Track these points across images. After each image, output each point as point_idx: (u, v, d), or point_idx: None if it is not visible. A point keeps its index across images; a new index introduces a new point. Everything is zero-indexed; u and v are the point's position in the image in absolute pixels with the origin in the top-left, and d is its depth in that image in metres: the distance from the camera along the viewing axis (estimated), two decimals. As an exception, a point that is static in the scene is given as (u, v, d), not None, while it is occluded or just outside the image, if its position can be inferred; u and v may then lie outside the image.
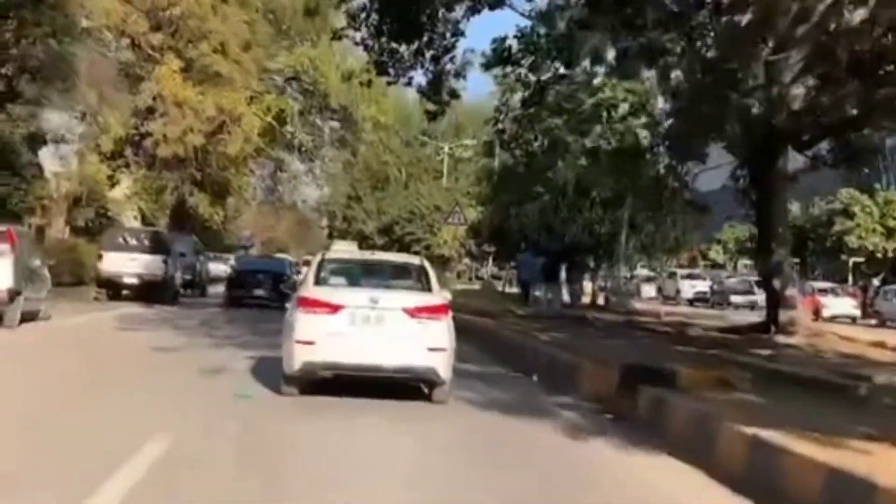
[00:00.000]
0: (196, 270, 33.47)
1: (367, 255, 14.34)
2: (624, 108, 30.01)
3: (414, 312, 10.72)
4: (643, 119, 29.80)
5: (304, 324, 10.67)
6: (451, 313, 11.21)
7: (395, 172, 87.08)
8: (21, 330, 17.80)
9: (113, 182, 42.74)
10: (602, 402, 11.47)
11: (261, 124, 46.66)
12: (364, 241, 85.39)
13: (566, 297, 33.19)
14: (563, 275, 34.78)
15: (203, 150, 43.44)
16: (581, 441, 9.54)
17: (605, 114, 30.42)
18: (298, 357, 10.59)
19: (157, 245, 27.83)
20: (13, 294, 17.22)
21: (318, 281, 11.43)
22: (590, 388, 12.40)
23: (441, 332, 10.85)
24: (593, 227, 33.03)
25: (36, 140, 30.82)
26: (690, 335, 20.86)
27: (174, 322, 21.53)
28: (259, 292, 29.21)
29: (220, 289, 40.55)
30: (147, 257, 27.22)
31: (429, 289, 11.37)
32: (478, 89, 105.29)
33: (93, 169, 41.63)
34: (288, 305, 11.89)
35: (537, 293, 32.62)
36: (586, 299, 36.53)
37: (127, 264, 26.90)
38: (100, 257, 27.14)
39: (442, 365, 10.74)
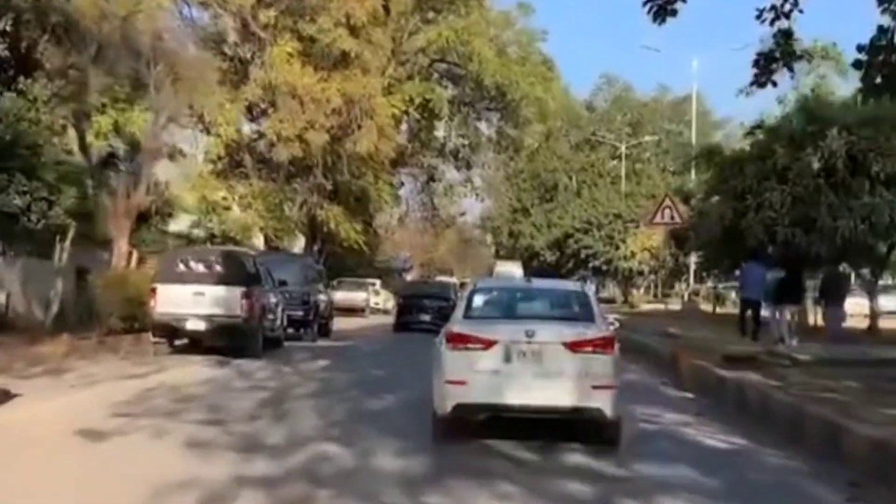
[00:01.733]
0: (310, 304, 24.55)
1: (522, 283, 13.00)
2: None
3: (575, 346, 9.57)
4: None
5: (454, 362, 9.69)
6: (617, 346, 9.80)
7: (564, 180, 77.22)
8: None
9: (224, 197, 34.68)
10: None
11: (401, 116, 37.72)
12: (533, 259, 76.55)
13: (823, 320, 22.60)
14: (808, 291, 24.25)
15: (331, 150, 34.88)
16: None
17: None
18: (450, 399, 9.61)
19: (236, 271, 18.99)
20: None
21: (469, 313, 10.49)
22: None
23: (607, 367, 9.63)
24: (871, 219, 22.25)
25: (80, 126, 22.88)
26: None
27: (235, 404, 12.47)
28: (424, 318, 29.58)
29: (352, 323, 32.39)
30: (219, 290, 18.45)
31: (591, 319, 10.23)
32: (645, 83, 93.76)
33: (201, 181, 33.82)
34: (436, 340, 10.43)
35: (776, 316, 21.66)
36: (855, 322, 25.61)
37: (189, 302, 18.22)
38: (153, 292, 18.53)
39: (609, 404, 9.51)
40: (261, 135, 34.10)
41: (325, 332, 26.54)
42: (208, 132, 34.38)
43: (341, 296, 39.43)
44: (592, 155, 79.84)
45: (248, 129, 34.40)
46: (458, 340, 9.79)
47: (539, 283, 12.32)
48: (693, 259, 44.75)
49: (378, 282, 45.24)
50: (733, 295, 39.55)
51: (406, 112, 37.72)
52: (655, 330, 25.47)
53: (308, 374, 17.09)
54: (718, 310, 42.50)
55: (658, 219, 24.25)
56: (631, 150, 76.05)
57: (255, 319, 19.09)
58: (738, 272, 26.16)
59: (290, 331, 23.42)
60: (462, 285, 34.56)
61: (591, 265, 63.36)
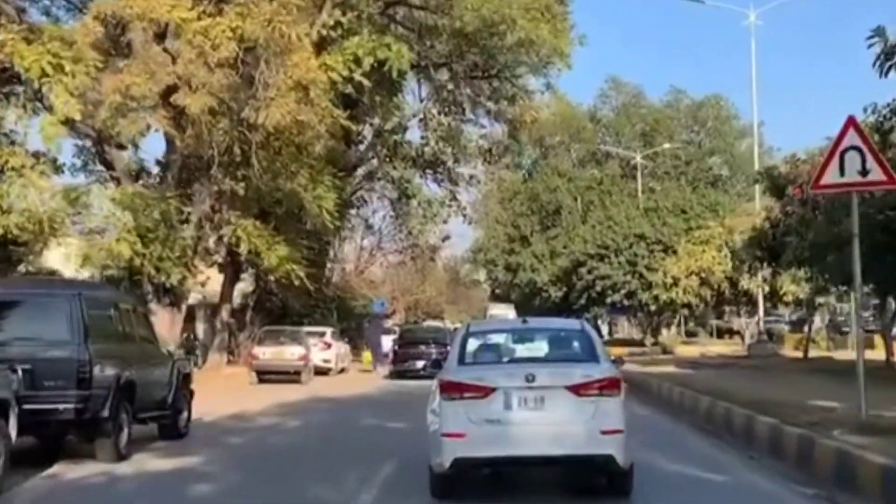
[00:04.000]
0: (95, 382, 11.46)
1: (519, 324, 11.79)
2: None
3: (580, 389, 9.02)
4: None
5: (451, 413, 9.07)
6: (623, 387, 9.25)
7: (568, 201, 65.06)
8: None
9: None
10: None
11: (344, 84, 25.48)
12: (536, 296, 64.26)
13: None
14: None
15: (237, 134, 22.75)
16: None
17: None
18: (448, 453, 9.00)
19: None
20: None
21: (463, 359, 9.82)
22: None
23: (614, 410, 9.07)
24: None
25: None
26: None
27: None
28: (419, 365, 28.30)
29: (273, 396, 20.61)
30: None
31: (594, 359, 9.59)
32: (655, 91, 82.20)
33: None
34: (431, 389, 9.78)
35: None
36: None
37: None
38: None
39: (619, 450, 8.98)
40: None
41: (171, 429, 13.98)
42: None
43: (265, 353, 26.94)
44: (599, 171, 67.81)
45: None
46: (454, 389, 9.19)
47: (536, 322, 12.11)
48: (758, 279, 32.42)
49: (330, 331, 32.71)
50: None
51: (350, 79, 25.41)
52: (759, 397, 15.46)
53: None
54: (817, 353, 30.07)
55: (832, 177, 11.08)
56: (648, 161, 63.98)
57: None
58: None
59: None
60: (455, 330, 30.32)
61: (609, 300, 50.82)
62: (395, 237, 51.64)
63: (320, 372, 30.74)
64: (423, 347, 30.25)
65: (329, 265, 50.85)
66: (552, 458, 9.08)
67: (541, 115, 32.43)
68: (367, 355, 37.49)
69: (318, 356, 31.01)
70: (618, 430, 8.96)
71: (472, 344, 10.12)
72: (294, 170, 26.24)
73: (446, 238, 45.10)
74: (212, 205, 25.95)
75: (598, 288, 50.57)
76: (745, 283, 34.26)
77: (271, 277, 35.98)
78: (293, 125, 22.68)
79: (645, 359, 34.36)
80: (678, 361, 31.31)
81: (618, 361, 10.29)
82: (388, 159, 42.40)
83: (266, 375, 27.06)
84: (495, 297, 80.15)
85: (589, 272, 51.03)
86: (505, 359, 10.12)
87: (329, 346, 31.72)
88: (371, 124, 38.72)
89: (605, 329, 73.36)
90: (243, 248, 25.67)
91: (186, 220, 25.70)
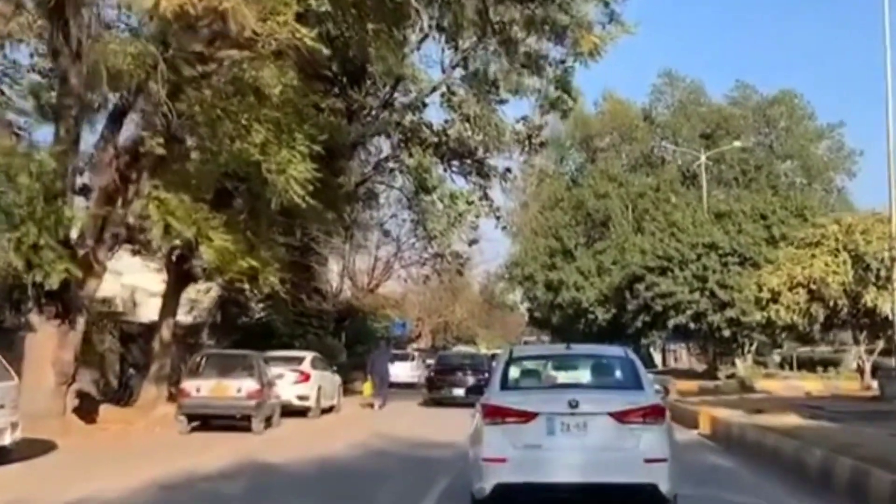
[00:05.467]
0: None
1: (562, 349, 11.67)
2: None
3: (623, 416, 8.93)
4: None
5: (493, 437, 9.02)
6: (668, 415, 9.27)
7: (619, 209, 56.45)
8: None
9: None
10: None
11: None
12: (581, 318, 55.57)
13: None
14: None
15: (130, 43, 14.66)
16: None
17: None
18: (489, 478, 8.94)
19: None
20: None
21: (505, 384, 9.76)
22: None
23: (659, 438, 9.00)
24: None
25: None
26: None
27: None
28: (458, 392, 27.90)
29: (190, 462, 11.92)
30: None
31: (639, 386, 9.53)
32: (718, 89, 73.89)
33: None
34: (472, 414, 9.90)
35: None
36: None
37: None
38: None
39: (663, 479, 8.88)
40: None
41: None
42: None
43: (200, 388, 18.55)
44: (653, 177, 59.09)
45: None
46: (496, 414, 9.11)
47: (579, 348, 11.75)
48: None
49: (311, 357, 24.17)
50: None
51: None
52: None
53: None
54: None
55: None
56: (711, 165, 55.18)
57: None
58: None
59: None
60: (493, 357, 32.71)
61: (671, 322, 42.03)
62: (414, 245, 43.24)
63: (294, 413, 22.41)
64: (459, 374, 29.64)
65: (336, 277, 42.69)
66: (595, 485, 8.84)
67: (602, 42, 23.82)
68: (367, 385, 29.42)
69: (290, 391, 22.62)
70: (662, 459, 8.84)
71: (515, 369, 10.14)
72: (246, 122, 18.04)
73: (473, 242, 36.50)
74: (120, 170, 17.68)
75: (659, 307, 41.85)
76: (870, 298, 25.51)
77: (247, 286, 28.01)
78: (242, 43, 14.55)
79: (730, 399, 25.75)
80: (784, 404, 22.62)
81: (662, 392, 9.95)
82: (402, 144, 34.18)
83: (204, 419, 18.77)
84: (533, 321, 71.52)
85: (647, 289, 42.33)
86: (548, 384, 10.22)
87: (307, 377, 23.27)
88: (375, 94, 30.57)
89: (658, 358, 64.58)
90: (155, 232, 17.32)
91: (83, 192, 17.56)
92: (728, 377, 40.39)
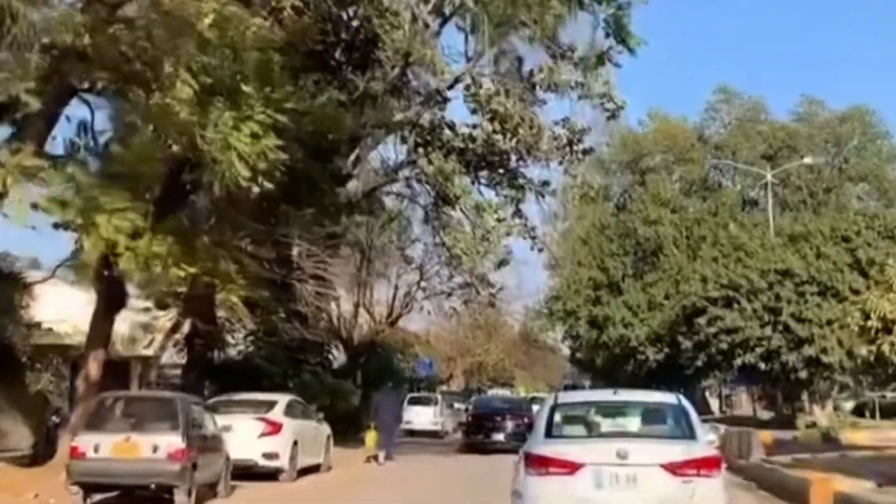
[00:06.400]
0: None
1: (609, 395, 11.11)
2: None
3: (676, 468, 8.63)
4: None
5: (537, 489, 8.77)
6: (724, 466, 9.16)
7: (671, 235, 50.66)
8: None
9: None
10: None
11: None
12: (629, 359, 49.63)
13: None
14: None
15: None
16: None
17: None
18: None
19: None
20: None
21: (551, 432, 9.36)
22: None
23: (714, 492, 8.77)
24: None
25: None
26: None
27: None
28: (498, 437, 27.32)
29: None
30: None
31: (692, 436, 9.15)
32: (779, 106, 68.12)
33: None
34: (514, 462, 9.53)
35: None
36: None
37: None
38: None
39: None
40: None
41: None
42: None
43: (99, 446, 12.96)
44: (711, 201, 53.12)
45: None
46: (541, 464, 8.82)
47: (627, 394, 11.16)
48: None
49: (285, 401, 18.35)
50: None
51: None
52: None
53: None
54: None
55: None
56: (777, 184, 49.16)
57: None
58: None
59: None
60: (533, 400, 33.63)
61: (738, 361, 35.97)
62: (438, 272, 37.69)
63: (261, 475, 16.85)
64: (498, 419, 28.67)
65: (349, 308, 37.26)
66: None
67: None
68: (371, 435, 23.96)
69: (253, 447, 17.04)
70: None
71: (560, 416, 9.68)
72: (172, 67, 12.77)
73: (503, 264, 30.69)
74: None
75: (723, 345, 35.81)
76: None
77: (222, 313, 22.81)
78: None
79: (831, 460, 19.94)
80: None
81: (716, 441, 9.95)
82: (419, 148, 28.81)
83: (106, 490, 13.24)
84: (575, 362, 65.48)
85: (709, 323, 36.32)
86: (595, 433, 9.73)
87: (277, 428, 17.59)
88: (384, 79, 25.27)
89: (714, 404, 58.27)
90: (9, 211, 11.92)
91: None
92: (808, 426, 34.25)
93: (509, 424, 27.84)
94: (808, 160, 48.35)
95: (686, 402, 9.75)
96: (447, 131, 29.23)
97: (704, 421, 11.15)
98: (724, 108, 57.25)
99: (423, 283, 39.82)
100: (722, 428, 26.98)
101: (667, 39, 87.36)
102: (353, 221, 28.47)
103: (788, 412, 43.17)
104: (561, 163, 31.55)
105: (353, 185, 28.61)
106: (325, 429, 20.53)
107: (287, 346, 26.36)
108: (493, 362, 68.26)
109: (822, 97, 57.18)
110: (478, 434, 28.46)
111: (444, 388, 62.92)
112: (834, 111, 55.24)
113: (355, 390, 33.25)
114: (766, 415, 47.55)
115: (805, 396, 39.25)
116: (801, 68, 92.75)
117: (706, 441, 9.23)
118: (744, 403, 56.26)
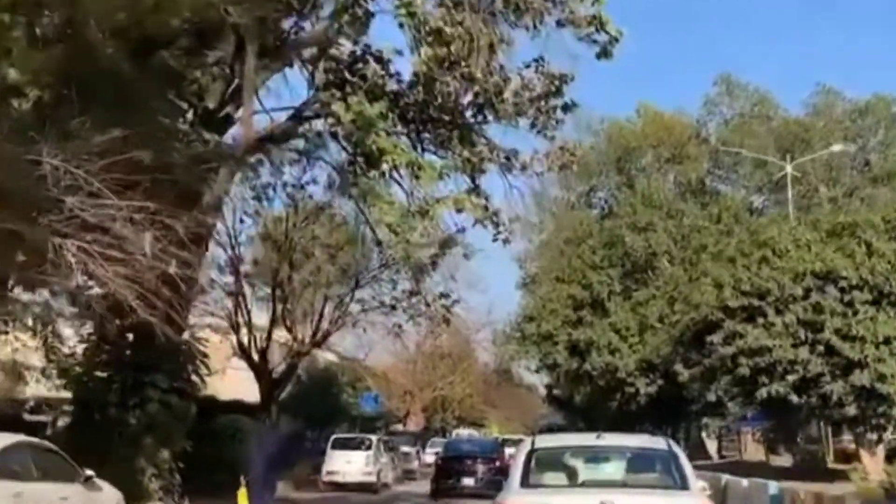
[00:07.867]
0: None
1: (591, 440, 10.21)
2: None
3: None
4: None
5: None
6: None
7: (665, 244, 42.60)
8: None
9: None
10: None
11: None
12: (617, 392, 41.21)
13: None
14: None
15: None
16: None
17: None
18: None
19: None
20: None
21: (527, 481, 8.87)
22: None
23: None
24: None
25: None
26: None
27: None
28: (468, 482, 27.35)
29: None
30: None
31: (683, 486, 8.63)
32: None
33: None
34: None
35: None
36: None
37: None
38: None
39: None
40: None
41: None
42: None
43: None
44: (714, 206, 45.08)
45: None
46: None
47: (612, 438, 10.29)
48: None
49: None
50: None
51: None
52: None
53: None
54: None
55: None
56: (795, 180, 41.03)
57: None
58: None
59: None
60: (505, 442, 34.55)
61: (762, 392, 27.43)
62: (376, 276, 29.04)
63: None
64: (468, 462, 28.30)
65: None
66: None
67: None
68: (241, 494, 15.60)
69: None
70: None
71: (537, 462, 9.17)
72: None
73: (447, 244, 21.67)
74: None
75: (745, 370, 27.28)
76: None
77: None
78: None
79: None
80: None
81: (709, 491, 9.31)
82: (327, 87, 20.43)
83: None
84: (552, 399, 57.01)
85: (727, 341, 27.80)
86: (576, 482, 9.20)
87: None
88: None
89: (712, 447, 49.85)
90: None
91: None
92: (862, 479, 25.70)
93: (480, 468, 27.69)
94: (836, 147, 40.44)
95: (677, 448, 9.25)
96: (373, 64, 20.77)
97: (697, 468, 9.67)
98: (725, 101, 49.44)
99: (356, 293, 31.27)
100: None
101: (660, 34, 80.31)
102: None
103: (813, 455, 34.92)
104: (534, 124, 22.75)
105: (233, 133, 20.17)
106: (110, 495, 11.78)
107: (123, 361, 17.71)
108: (458, 397, 59.54)
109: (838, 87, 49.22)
110: (448, 479, 27.99)
111: (401, 427, 54.12)
112: (853, 101, 47.54)
113: (253, 430, 24.39)
114: (779, 459, 39.31)
115: (847, 435, 30.94)
116: (809, 60, 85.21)
117: (699, 489, 8.67)
118: (748, 445, 47.97)
